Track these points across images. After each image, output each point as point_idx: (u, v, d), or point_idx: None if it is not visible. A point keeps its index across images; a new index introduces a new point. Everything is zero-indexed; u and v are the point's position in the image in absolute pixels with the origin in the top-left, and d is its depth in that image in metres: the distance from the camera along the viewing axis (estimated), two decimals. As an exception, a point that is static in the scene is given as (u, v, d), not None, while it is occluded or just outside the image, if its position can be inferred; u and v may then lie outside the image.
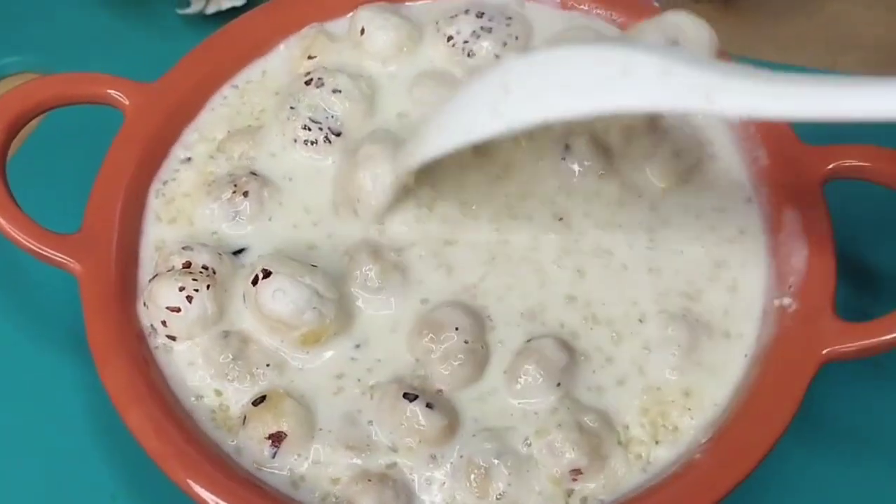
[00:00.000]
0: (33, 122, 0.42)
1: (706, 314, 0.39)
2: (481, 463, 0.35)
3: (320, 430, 0.36)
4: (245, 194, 0.41)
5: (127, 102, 0.42)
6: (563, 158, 0.42)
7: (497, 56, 0.44)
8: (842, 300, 0.37)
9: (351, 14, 0.46)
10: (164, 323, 0.37)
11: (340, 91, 0.43)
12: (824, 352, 0.36)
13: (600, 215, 0.41)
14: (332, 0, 0.47)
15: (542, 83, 0.35)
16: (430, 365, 0.37)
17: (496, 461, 0.35)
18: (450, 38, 0.45)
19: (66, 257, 0.38)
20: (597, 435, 0.35)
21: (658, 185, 0.42)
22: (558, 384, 0.36)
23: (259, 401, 0.36)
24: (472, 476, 0.35)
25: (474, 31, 0.44)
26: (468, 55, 0.44)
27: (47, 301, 0.45)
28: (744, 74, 0.32)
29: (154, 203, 0.42)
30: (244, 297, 0.38)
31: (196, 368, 0.37)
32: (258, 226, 0.41)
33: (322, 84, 0.43)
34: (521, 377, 0.36)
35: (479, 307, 0.38)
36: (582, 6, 0.47)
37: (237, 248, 0.40)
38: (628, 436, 0.36)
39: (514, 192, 0.41)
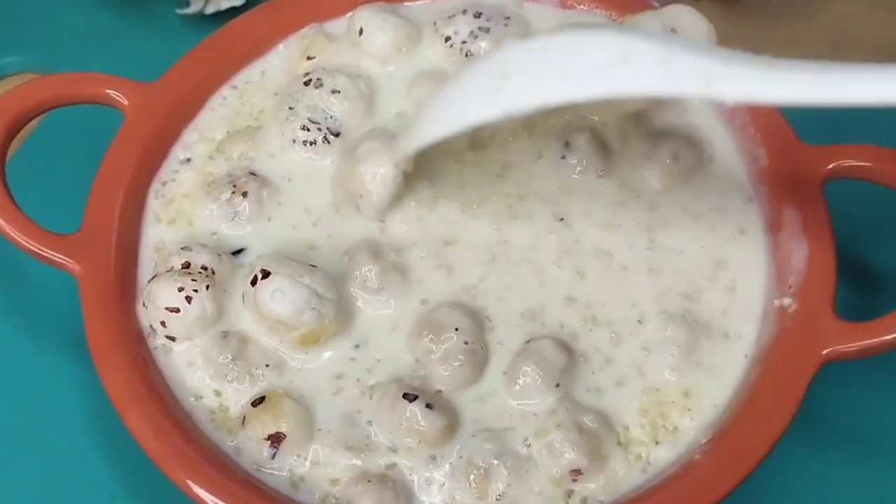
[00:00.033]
0: (33, 123, 0.42)
1: (705, 314, 0.38)
2: (481, 463, 0.35)
3: (319, 430, 0.36)
4: (244, 195, 0.41)
5: (126, 102, 0.42)
6: (563, 157, 0.42)
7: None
8: (842, 300, 0.37)
9: (350, 14, 0.46)
10: (163, 323, 0.37)
11: (339, 91, 0.43)
12: (824, 352, 0.36)
13: (600, 215, 0.41)
14: (330, 0, 0.47)
15: (542, 69, 0.34)
16: (429, 365, 0.37)
17: (496, 462, 0.35)
18: (448, 39, 0.44)
19: (65, 258, 0.38)
20: (596, 435, 0.35)
21: (658, 186, 0.42)
22: (557, 385, 0.36)
23: (258, 401, 0.36)
24: (472, 476, 0.35)
25: (472, 32, 0.44)
26: (466, 55, 0.44)
27: (47, 302, 0.44)
28: (744, 61, 0.31)
29: (153, 204, 0.42)
30: (243, 297, 0.38)
31: (195, 369, 0.37)
32: (257, 226, 0.41)
33: (321, 84, 0.43)
34: (520, 378, 0.36)
35: (478, 307, 0.38)
36: (581, 6, 0.47)
37: (236, 248, 0.40)
38: (628, 436, 0.36)
39: (515, 192, 0.41)
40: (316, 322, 0.36)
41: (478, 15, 0.45)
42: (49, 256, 0.38)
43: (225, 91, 0.45)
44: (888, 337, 0.35)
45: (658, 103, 0.43)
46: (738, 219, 0.41)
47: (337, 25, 0.47)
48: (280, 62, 0.46)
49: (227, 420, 0.37)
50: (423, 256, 0.39)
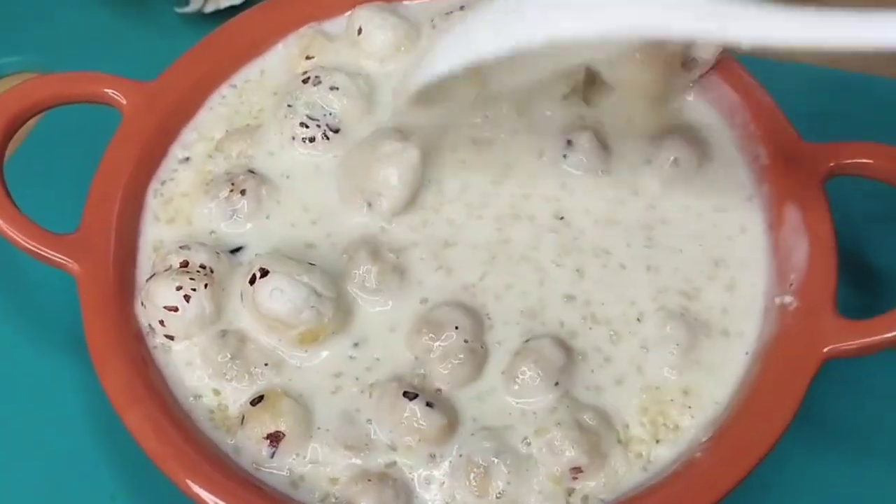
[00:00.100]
0: (31, 122, 0.42)
1: (705, 312, 0.38)
2: (480, 462, 0.35)
3: (318, 429, 0.36)
4: (242, 192, 0.41)
5: (125, 102, 0.42)
6: (565, 155, 0.42)
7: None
8: (843, 298, 0.37)
9: (348, 13, 0.46)
10: (161, 322, 0.37)
11: (338, 88, 0.43)
12: (825, 350, 0.35)
13: (600, 213, 0.41)
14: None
15: (554, 3, 0.34)
16: (429, 364, 0.37)
17: (495, 460, 0.35)
18: (446, 36, 0.44)
19: (64, 257, 0.38)
20: (596, 433, 0.35)
21: (658, 188, 0.41)
22: (556, 383, 0.36)
23: (257, 400, 0.36)
24: (472, 475, 0.34)
25: (470, 28, 0.44)
26: (465, 52, 0.44)
27: (46, 302, 0.45)
28: (759, 6, 0.31)
29: (152, 203, 0.42)
30: (242, 296, 0.38)
31: (194, 368, 0.37)
32: (256, 224, 0.41)
33: (319, 82, 0.43)
34: (519, 377, 0.36)
35: (478, 306, 0.38)
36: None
37: (235, 246, 0.40)
38: (628, 435, 0.36)
39: (518, 191, 0.41)
40: (315, 321, 0.36)
41: (475, 11, 0.45)
42: (48, 256, 0.38)
43: (224, 90, 0.45)
44: (889, 334, 0.35)
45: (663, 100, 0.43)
46: (738, 217, 0.41)
47: (336, 25, 0.47)
48: (279, 61, 0.46)
49: (226, 419, 0.36)
50: (423, 258, 0.39)
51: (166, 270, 0.38)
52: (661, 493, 0.34)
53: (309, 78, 0.43)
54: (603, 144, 0.42)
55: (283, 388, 0.37)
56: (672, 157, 0.41)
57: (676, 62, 0.42)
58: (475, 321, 0.37)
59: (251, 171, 0.42)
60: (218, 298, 0.38)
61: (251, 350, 0.37)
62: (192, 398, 0.37)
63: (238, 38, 0.46)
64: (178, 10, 0.54)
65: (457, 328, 0.36)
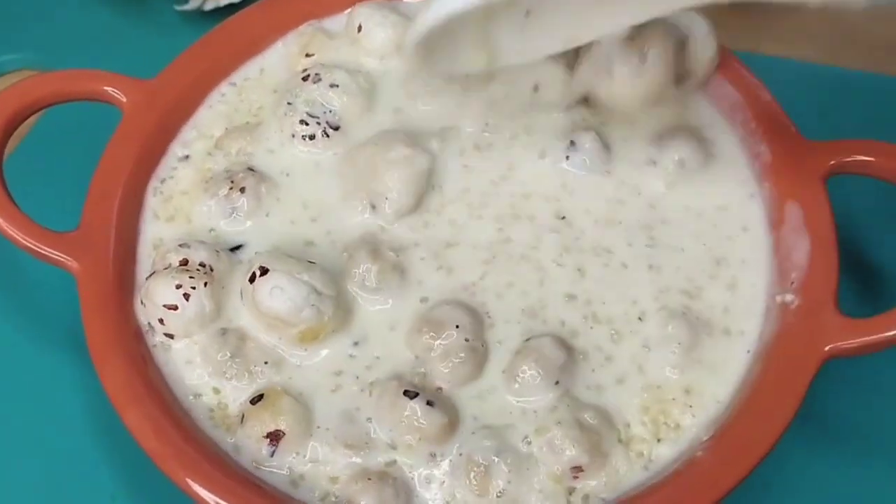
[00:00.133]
0: (31, 120, 0.42)
1: (707, 311, 0.38)
2: (481, 461, 0.34)
3: (318, 427, 0.36)
4: (242, 190, 0.40)
5: (124, 99, 0.42)
6: (568, 157, 0.41)
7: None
8: (844, 296, 0.37)
9: (348, 11, 0.46)
10: (161, 321, 0.37)
11: (338, 86, 0.43)
12: (827, 348, 0.35)
13: (601, 213, 0.41)
14: (329, -3, 0.47)
15: None
16: (430, 362, 0.36)
17: (496, 459, 0.34)
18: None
19: (63, 255, 0.38)
20: (597, 432, 0.35)
21: (662, 189, 0.41)
22: (557, 382, 0.36)
23: (257, 399, 0.36)
24: (472, 474, 0.34)
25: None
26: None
27: (46, 300, 0.44)
28: None
29: (152, 201, 0.42)
30: (241, 294, 0.38)
31: (194, 366, 0.37)
32: (256, 222, 0.41)
33: (319, 79, 0.43)
34: (519, 375, 0.36)
35: (478, 304, 0.38)
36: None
37: (234, 244, 0.40)
38: (629, 434, 0.36)
39: (519, 191, 0.41)
40: (315, 319, 0.36)
41: (474, 8, 0.45)
42: (47, 254, 0.38)
43: (223, 88, 0.45)
44: (890, 333, 0.35)
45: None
46: (740, 216, 0.41)
47: (335, 22, 0.47)
48: (279, 59, 0.46)
49: (226, 418, 0.36)
50: (423, 257, 0.39)
51: (166, 269, 0.38)
52: (662, 492, 0.34)
53: (309, 75, 0.43)
54: (605, 145, 0.42)
55: (283, 386, 0.36)
56: (676, 158, 0.41)
57: (669, 79, 0.42)
58: (476, 320, 0.37)
59: (251, 169, 0.41)
60: (218, 296, 0.38)
61: (251, 348, 0.37)
62: (191, 397, 0.37)
63: (238, 35, 0.46)
64: (178, 8, 0.54)
65: (457, 327, 0.36)
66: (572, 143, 0.42)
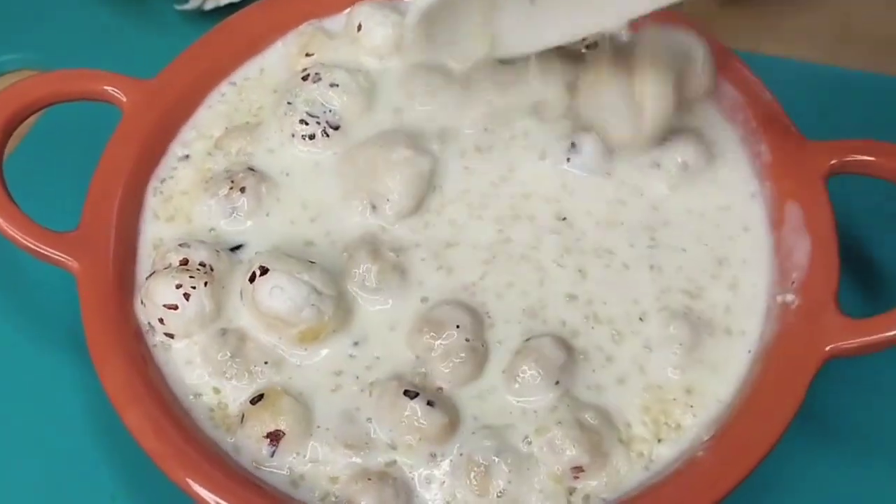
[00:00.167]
0: (31, 120, 0.42)
1: (708, 311, 0.38)
2: (481, 461, 0.34)
3: (318, 427, 0.36)
4: (242, 190, 0.40)
5: (124, 99, 0.42)
6: (569, 158, 0.41)
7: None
8: (844, 296, 0.37)
9: (348, 10, 0.46)
10: (161, 321, 0.37)
11: (338, 85, 0.43)
12: (827, 348, 0.35)
13: (602, 214, 0.41)
14: (328, -4, 0.47)
15: None
16: (430, 362, 0.36)
17: (496, 459, 0.34)
18: (443, 32, 0.44)
19: (63, 255, 0.38)
20: (597, 432, 0.35)
21: (665, 191, 0.41)
22: (557, 382, 0.36)
23: (257, 399, 0.36)
24: (472, 474, 0.34)
25: (467, 23, 0.44)
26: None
27: (46, 300, 0.44)
28: None
29: (152, 201, 0.42)
30: (241, 294, 0.37)
31: (194, 366, 0.37)
32: (256, 222, 0.41)
33: (319, 79, 0.43)
34: (519, 375, 0.36)
35: (478, 304, 0.38)
36: None
37: (235, 244, 0.40)
38: (630, 434, 0.36)
39: (518, 192, 0.41)
40: (315, 319, 0.36)
41: (473, 7, 0.45)
42: (47, 254, 0.38)
43: (223, 88, 0.45)
44: (891, 333, 0.35)
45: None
46: (741, 216, 0.41)
47: (335, 22, 0.47)
48: (279, 59, 0.46)
49: (226, 418, 0.36)
50: (424, 258, 0.39)
51: (166, 268, 0.38)
52: (662, 492, 0.34)
53: (309, 75, 0.43)
54: (607, 146, 0.42)
55: (283, 386, 0.36)
56: (679, 160, 0.41)
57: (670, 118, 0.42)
58: (476, 320, 0.37)
59: (251, 169, 0.41)
60: (218, 296, 0.38)
61: (251, 348, 0.37)
62: (191, 397, 0.37)
63: (237, 35, 0.46)
64: (178, 8, 0.54)
65: (458, 327, 0.36)
66: (573, 144, 0.42)
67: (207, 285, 0.37)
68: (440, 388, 0.36)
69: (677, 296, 0.39)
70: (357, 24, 0.45)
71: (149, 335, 0.38)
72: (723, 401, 0.36)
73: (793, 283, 0.38)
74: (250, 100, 0.45)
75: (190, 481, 0.33)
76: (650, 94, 0.40)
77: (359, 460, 0.35)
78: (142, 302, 0.38)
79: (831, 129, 0.41)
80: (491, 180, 0.42)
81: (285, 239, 0.40)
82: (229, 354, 0.37)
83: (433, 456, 0.35)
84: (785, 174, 0.40)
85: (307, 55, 0.45)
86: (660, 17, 0.43)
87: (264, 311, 0.36)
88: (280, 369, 0.37)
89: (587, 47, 0.44)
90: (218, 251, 0.39)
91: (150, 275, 0.38)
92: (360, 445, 0.35)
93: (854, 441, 0.41)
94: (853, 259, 0.44)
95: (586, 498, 0.35)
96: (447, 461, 0.35)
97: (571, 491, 0.35)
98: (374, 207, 0.40)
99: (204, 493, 0.33)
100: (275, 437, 0.35)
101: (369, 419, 0.36)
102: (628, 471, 0.35)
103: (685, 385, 0.37)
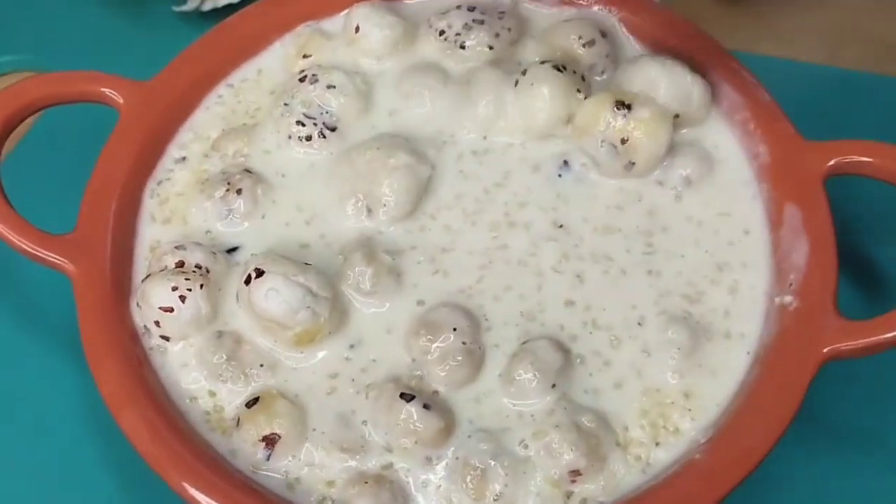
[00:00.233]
0: (28, 122, 0.42)
1: (708, 315, 0.38)
2: (477, 464, 0.34)
3: (314, 430, 0.36)
4: (238, 192, 0.40)
5: (121, 101, 0.42)
6: (560, 175, 0.41)
7: (490, 47, 0.44)
8: (843, 297, 0.37)
9: (346, 12, 0.46)
10: (157, 323, 0.37)
11: (335, 87, 0.43)
12: (825, 350, 0.35)
13: (599, 220, 0.40)
14: (326, -2, 0.47)
15: None
16: (426, 365, 0.36)
17: (493, 462, 0.34)
18: (441, 33, 0.44)
19: (59, 258, 0.38)
20: (595, 436, 0.35)
21: (667, 201, 0.41)
22: (553, 386, 0.36)
23: (252, 402, 0.36)
24: (469, 477, 0.34)
25: (466, 24, 0.44)
26: (461, 47, 0.44)
27: (42, 303, 0.44)
28: None
29: (148, 203, 0.42)
30: (237, 296, 0.37)
31: (190, 369, 0.37)
32: (252, 223, 0.40)
33: (316, 80, 0.43)
34: (516, 378, 0.36)
35: (475, 307, 0.38)
36: (580, 1, 0.46)
37: (231, 246, 0.40)
38: (627, 437, 0.36)
39: (513, 200, 0.41)
40: (311, 321, 0.36)
41: (472, 9, 0.44)
42: (43, 257, 0.38)
43: (221, 89, 0.45)
44: (890, 335, 0.35)
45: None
46: (741, 219, 0.40)
47: (333, 23, 0.47)
48: (276, 60, 0.46)
49: (222, 421, 0.36)
50: (420, 261, 0.39)
51: (162, 271, 0.38)
52: (660, 496, 0.34)
53: (306, 76, 0.43)
54: (599, 165, 0.41)
55: (278, 389, 0.36)
56: (683, 175, 0.41)
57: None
58: (473, 323, 0.37)
59: (247, 171, 0.41)
60: (214, 299, 0.38)
61: (247, 351, 0.37)
62: (187, 400, 0.37)
63: (235, 37, 0.46)
64: (176, 9, 0.54)
65: (455, 330, 0.36)
66: (566, 163, 0.41)
67: (203, 288, 0.37)
68: (436, 391, 0.36)
69: (676, 300, 0.38)
70: (355, 26, 0.45)
71: (145, 338, 0.38)
72: (721, 404, 0.36)
73: (791, 284, 0.38)
74: (248, 101, 0.45)
75: (186, 485, 0.33)
76: (646, 139, 0.40)
77: (354, 464, 0.35)
78: (138, 304, 0.38)
79: (830, 130, 0.40)
80: (485, 187, 0.41)
81: (281, 241, 0.40)
82: (225, 357, 0.37)
83: (429, 459, 0.35)
84: (783, 175, 0.40)
85: (305, 56, 0.45)
86: (661, 25, 0.44)
87: (260, 313, 0.36)
88: (276, 372, 0.37)
89: (584, 46, 0.44)
90: (214, 253, 0.38)
91: (146, 277, 0.38)
92: (355, 449, 0.35)
93: (853, 443, 0.41)
94: (852, 260, 0.44)
95: (583, 502, 0.34)
96: (443, 464, 0.35)
97: (569, 495, 0.35)
98: (369, 210, 0.40)
99: (200, 496, 0.33)
100: (270, 440, 0.35)
101: (365, 422, 0.36)
102: (626, 474, 0.35)
103: (684, 389, 0.37)
